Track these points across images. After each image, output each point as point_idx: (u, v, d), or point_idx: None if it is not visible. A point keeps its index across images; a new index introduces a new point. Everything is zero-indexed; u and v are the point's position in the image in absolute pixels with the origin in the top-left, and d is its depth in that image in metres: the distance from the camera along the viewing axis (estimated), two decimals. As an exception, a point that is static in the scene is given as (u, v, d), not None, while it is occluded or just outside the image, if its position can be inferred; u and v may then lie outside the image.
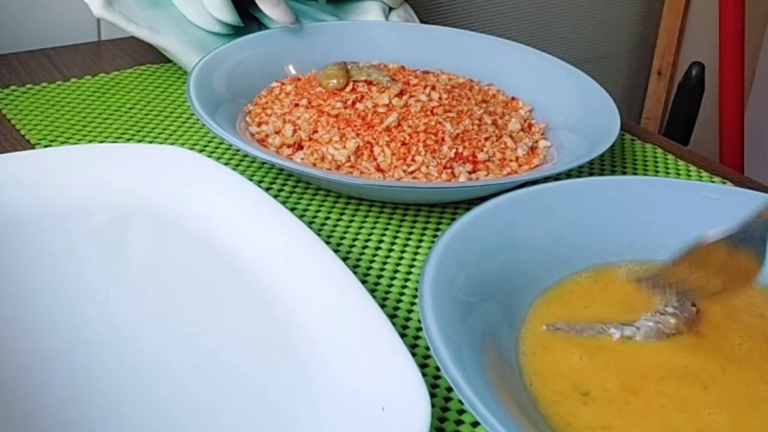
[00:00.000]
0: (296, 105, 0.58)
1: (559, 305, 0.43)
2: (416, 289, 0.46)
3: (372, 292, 0.46)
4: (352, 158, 0.53)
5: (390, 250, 0.50)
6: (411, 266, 0.49)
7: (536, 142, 0.59)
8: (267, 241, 0.45)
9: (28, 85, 0.66)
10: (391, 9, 0.73)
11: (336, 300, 0.41)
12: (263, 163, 0.57)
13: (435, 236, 0.51)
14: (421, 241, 0.51)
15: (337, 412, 0.36)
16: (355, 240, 0.50)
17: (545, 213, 0.46)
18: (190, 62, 0.65)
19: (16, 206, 0.48)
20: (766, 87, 1.42)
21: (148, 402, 0.37)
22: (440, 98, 0.58)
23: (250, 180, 0.52)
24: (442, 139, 0.55)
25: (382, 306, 0.45)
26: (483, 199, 0.46)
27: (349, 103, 0.57)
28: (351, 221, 0.52)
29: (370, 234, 0.51)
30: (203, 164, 0.50)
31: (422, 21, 0.76)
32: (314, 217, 0.52)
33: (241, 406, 0.37)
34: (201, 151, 0.58)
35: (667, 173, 0.61)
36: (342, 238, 0.51)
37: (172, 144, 0.59)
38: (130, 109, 0.64)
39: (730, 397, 0.38)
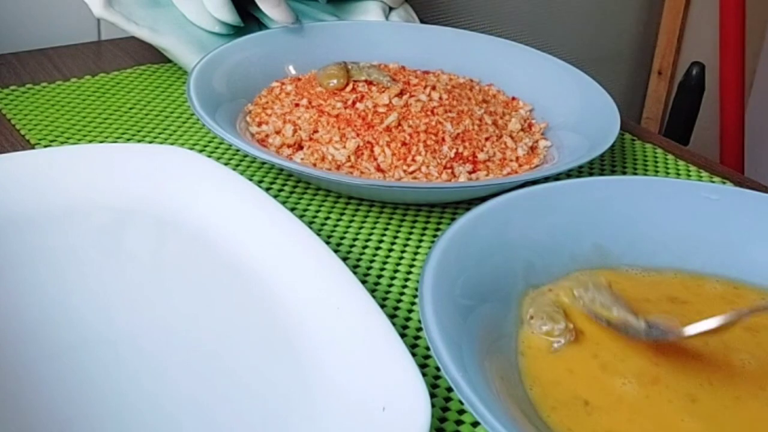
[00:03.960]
0: (296, 105, 0.58)
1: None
2: (416, 289, 0.46)
3: (372, 292, 0.46)
4: (352, 158, 0.53)
5: (390, 250, 0.50)
6: (411, 266, 0.48)
7: (536, 141, 0.59)
8: (267, 241, 0.45)
9: (28, 85, 0.66)
10: (391, 9, 0.73)
11: (336, 300, 0.41)
12: (263, 163, 0.57)
13: (435, 236, 0.51)
14: (421, 241, 0.51)
15: (337, 412, 0.36)
16: (355, 240, 0.50)
17: (545, 213, 0.46)
18: (190, 62, 0.65)
19: (16, 206, 0.48)
20: (766, 87, 1.42)
21: (146, 402, 0.37)
22: (440, 98, 0.58)
23: (250, 180, 0.52)
24: (443, 139, 0.55)
25: (382, 306, 0.45)
26: (483, 199, 0.46)
27: (350, 103, 0.57)
28: (351, 221, 0.52)
29: (370, 234, 0.51)
30: (203, 164, 0.50)
31: (422, 21, 0.76)
32: (314, 217, 0.52)
33: (241, 407, 0.37)
34: (201, 151, 0.58)
35: (667, 173, 0.61)
36: (342, 238, 0.50)
37: (172, 144, 0.59)
38: (130, 109, 0.64)
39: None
